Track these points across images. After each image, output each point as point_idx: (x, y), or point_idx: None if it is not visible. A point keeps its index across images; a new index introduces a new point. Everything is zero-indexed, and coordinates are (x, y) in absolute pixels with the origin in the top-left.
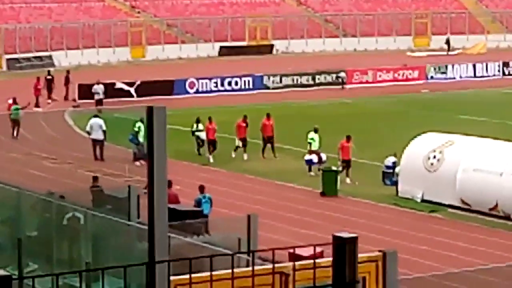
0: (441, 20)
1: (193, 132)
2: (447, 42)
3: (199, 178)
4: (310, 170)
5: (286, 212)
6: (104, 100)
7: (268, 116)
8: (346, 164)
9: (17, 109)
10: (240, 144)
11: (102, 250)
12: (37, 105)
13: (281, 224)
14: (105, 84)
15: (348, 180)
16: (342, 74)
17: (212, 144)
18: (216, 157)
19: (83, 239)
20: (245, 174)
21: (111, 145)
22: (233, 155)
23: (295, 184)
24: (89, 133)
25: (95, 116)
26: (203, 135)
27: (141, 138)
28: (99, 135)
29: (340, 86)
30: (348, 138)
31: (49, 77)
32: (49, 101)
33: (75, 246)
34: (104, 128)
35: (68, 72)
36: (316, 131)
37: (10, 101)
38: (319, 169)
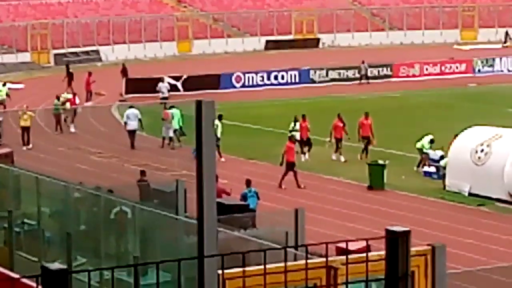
0: (488, 13)
1: (290, 132)
2: (506, 34)
3: (245, 171)
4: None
5: (333, 206)
6: (151, 95)
7: (366, 115)
8: (367, 141)
9: (57, 104)
10: (334, 145)
11: (150, 244)
12: (87, 99)
13: (328, 218)
14: (154, 79)
15: (334, 157)
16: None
17: (307, 143)
18: (260, 151)
19: (131, 233)
20: None
21: (159, 139)
22: (334, 157)
23: (341, 177)
24: (126, 123)
25: (131, 107)
26: (298, 135)
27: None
28: (135, 125)
29: (360, 81)
30: (367, 115)
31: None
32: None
33: (122, 240)
34: (140, 117)
35: (124, 65)
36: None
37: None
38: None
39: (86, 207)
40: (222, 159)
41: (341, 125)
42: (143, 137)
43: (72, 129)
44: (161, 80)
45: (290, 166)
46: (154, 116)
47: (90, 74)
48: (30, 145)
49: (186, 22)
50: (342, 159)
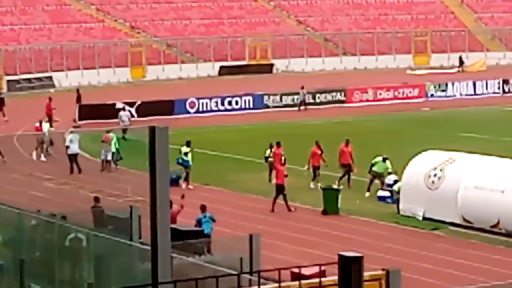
0: (440, 38)
1: (266, 158)
2: (460, 59)
3: (200, 197)
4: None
5: (288, 231)
6: (105, 121)
7: (347, 142)
8: (348, 168)
9: None
10: (312, 173)
11: (105, 271)
12: (51, 125)
13: (283, 243)
14: (107, 105)
15: (312, 185)
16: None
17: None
18: (216, 176)
19: (85, 260)
20: (247, 194)
21: (113, 166)
22: (312, 186)
23: (295, 202)
24: (68, 147)
25: (72, 132)
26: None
27: (189, 162)
28: (76, 149)
29: (299, 108)
30: (347, 142)
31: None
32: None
33: (77, 267)
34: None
35: (78, 91)
36: (385, 159)
37: (37, 124)
38: (320, 187)
39: (40, 234)
40: (190, 187)
41: (319, 152)
42: (89, 160)
43: (42, 158)
44: (122, 109)
45: (280, 189)
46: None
47: (50, 99)
48: None
49: (140, 48)
50: (319, 186)
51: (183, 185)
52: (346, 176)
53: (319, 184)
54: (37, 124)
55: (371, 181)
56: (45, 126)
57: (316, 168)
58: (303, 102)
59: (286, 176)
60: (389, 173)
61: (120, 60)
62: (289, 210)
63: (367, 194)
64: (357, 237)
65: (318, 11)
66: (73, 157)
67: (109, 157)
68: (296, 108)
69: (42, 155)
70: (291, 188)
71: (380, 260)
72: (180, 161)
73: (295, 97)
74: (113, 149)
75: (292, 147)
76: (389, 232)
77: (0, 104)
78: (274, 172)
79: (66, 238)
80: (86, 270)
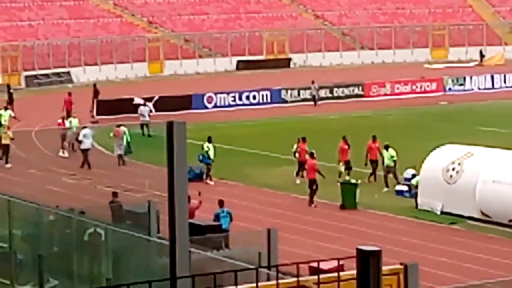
0: (458, 32)
1: (294, 154)
2: (481, 53)
3: (217, 192)
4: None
5: (305, 226)
6: (123, 116)
7: (374, 138)
8: (376, 164)
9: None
10: (343, 168)
11: (123, 266)
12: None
13: (301, 237)
14: (125, 100)
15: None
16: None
17: (304, 166)
18: (233, 171)
19: (104, 255)
20: (264, 188)
21: (131, 161)
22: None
23: (315, 197)
24: (81, 141)
25: (84, 127)
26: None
27: (211, 157)
28: (89, 145)
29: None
30: (374, 138)
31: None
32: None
33: (95, 262)
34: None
35: (95, 86)
36: (388, 147)
37: (60, 120)
38: (337, 181)
39: (58, 229)
40: (211, 183)
41: (346, 147)
42: (105, 155)
43: (61, 153)
44: (143, 104)
45: (311, 184)
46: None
47: (70, 94)
48: (9, 165)
49: (157, 43)
50: (353, 180)
51: (207, 181)
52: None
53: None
54: (60, 121)
55: (385, 176)
56: (74, 122)
57: (346, 163)
58: (314, 97)
59: (317, 170)
60: (394, 161)
61: (138, 55)
62: (310, 205)
63: (385, 189)
64: (375, 231)
65: (336, 6)
66: (85, 152)
67: (121, 151)
68: (313, 103)
69: (63, 151)
70: (305, 182)
71: (398, 254)
72: (201, 157)
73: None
74: (125, 143)
75: (311, 142)
76: (407, 226)
77: (9, 100)
78: (303, 167)
79: (85, 233)
80: (104, 265)
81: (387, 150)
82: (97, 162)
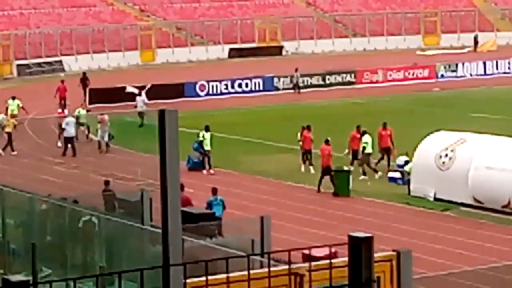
0: (450, 19)
1: (299, 142)
2: (475, 39)
3: (209, 180)
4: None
5: (299, 213)
6: (115, 104)
7: (384, 125)
8: (386, 151)
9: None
10: (350, 157)
11: (116, 254)
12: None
13: (294, 225)
14: (117, 88)
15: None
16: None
17: (309, 154)
18: (226, 159)
19: (97, 244)
20: (258, 176)
21: (122, 149)
22: (352, 169)
23: (306, 184)
24: (64, 129)
25: (67, 115)
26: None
27: (206, 147)
28: (73, 133)
29: (294, 90)
30: (385, 125)
31: None
32: None
33: (89, 251)
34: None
35: (84, 74)
36: (365, 133)
37: (60, 110)
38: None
39: (51, 218)
40: (211, 171)
41: (358, 136)
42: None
43: (60, 144)
44: (138, 94)
45: (326, 171)
46: (122, 126)
47: (63, 82)
48: (15, 152)
49: (149, 31)
50: (345, 168)
51: (204, 171)
52: (384, 159)
53: (351, 167)
54: (60, 110)
55: (367, 163)
56: (82, 112)
57: (355, 152)
58: (297, 85)
59: (331, 156)
60: (364, 148)
61: (130, 44)
62: (319, 191)
63: (377, 176)
64: (367, 218)
65: None
66: (68, 140)
67: (106, 138)
68: (294, 90)
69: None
70: (298, 170)
71: (391, 241)
72: (195, 146)
73: (305, 78)
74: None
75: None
76: (400, 213)
77: None
78: (307, 155)
79: (79, 221)
80: (97, 254)
81: (362, 135)
82: (90, 150)
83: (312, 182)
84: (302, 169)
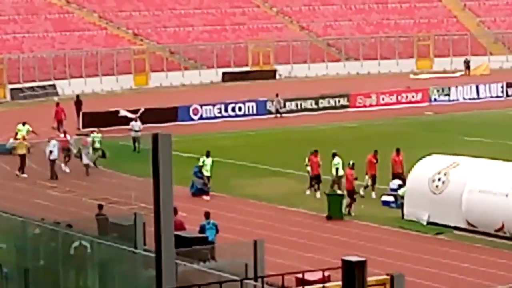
0: (443, 42)
1: (306, 166)
2: (467, 63)
3: (203, 203)
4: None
5: (292, 237)
6: (108, 129)
7: (398, 151)
8: (399, 177)
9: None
10: (370, 182)
11: (109, 279)
12: (59, 130)
13: (288, 248)
14: (110, 112)
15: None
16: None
17: (316, 178)
18: (219, 182)
19: (90, 268)
20: (249, 199)
21: (116, 173)
22: (362, 193)
23: (300, 208)
24: (51, 152)
25: (52, 139)
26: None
27: (206, 172)
28: (56, 155)
29: (275, 115)
30: (398, 152)
31: None
32: None
33: (82, 275)
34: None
35: (78, 97)
36: (335, 155)
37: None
38: (324, 192)
39: (44, 242)
40: (207, 198)
41: (375, 161)
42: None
43: (64, 168)
44: (134, 119)
45: (350, 194)
46: (116, 150)
47: (58, 104)
48: (25, 175)
49: (143, 55)
50: (374, 195)
51: (204, 197)
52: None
53: (373, 193)
54: (62, 135)
55: (337, 184)
56: (97, 137)
57: (373, 177)
58: (278, 111)
59: (356, 179)
60: (337, 169)
61: (123, 68)
62: (349, 213)
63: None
64: (361, 242)
65: (321, 17)
66: (54, 162)
67: (89, 161)
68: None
69: (65, 166)
70: (292, 193)
71: (384, 265)
72: (195, 170)
73: (299, 102)
74: (91, 152)
75: (298, 152)
76: (393, 236)
77: None
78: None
79: (71, 246)
80: (90, 278)
81: (333, 158)
82: (83, 174)
83: (308, 206)
84: (308, 192)
